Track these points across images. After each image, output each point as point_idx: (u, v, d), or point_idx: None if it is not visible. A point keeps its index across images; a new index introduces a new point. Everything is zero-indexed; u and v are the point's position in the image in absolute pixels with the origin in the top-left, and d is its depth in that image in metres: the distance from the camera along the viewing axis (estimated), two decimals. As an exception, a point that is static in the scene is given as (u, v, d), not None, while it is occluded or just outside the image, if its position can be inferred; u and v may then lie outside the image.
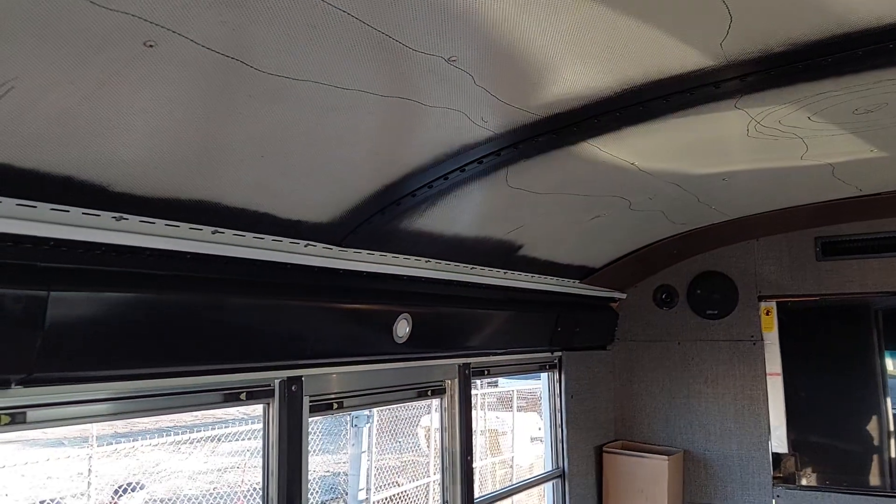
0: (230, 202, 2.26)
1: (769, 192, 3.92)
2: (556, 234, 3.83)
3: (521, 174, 2.86)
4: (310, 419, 2.92)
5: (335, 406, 3.06)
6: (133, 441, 7.88)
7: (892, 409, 5.52)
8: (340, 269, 2.81)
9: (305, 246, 2.67)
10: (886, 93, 2.38)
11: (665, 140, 2.76)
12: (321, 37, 1.67)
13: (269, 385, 2.73)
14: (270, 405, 2.73)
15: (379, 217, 2.75)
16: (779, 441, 4.72)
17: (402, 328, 3.13)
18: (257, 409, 2.80)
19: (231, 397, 2.57)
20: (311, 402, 2.90)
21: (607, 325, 5.21)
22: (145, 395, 2.32)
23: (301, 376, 2.83)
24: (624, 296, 5.21)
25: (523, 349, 4.44)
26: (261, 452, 2.74)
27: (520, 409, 12.71)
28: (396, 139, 2.36)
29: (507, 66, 2.01)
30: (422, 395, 3.59)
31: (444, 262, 3.34)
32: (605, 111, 2.39)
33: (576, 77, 2.14)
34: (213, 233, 2.27)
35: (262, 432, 2.77)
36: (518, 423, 12.03)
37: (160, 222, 2.13)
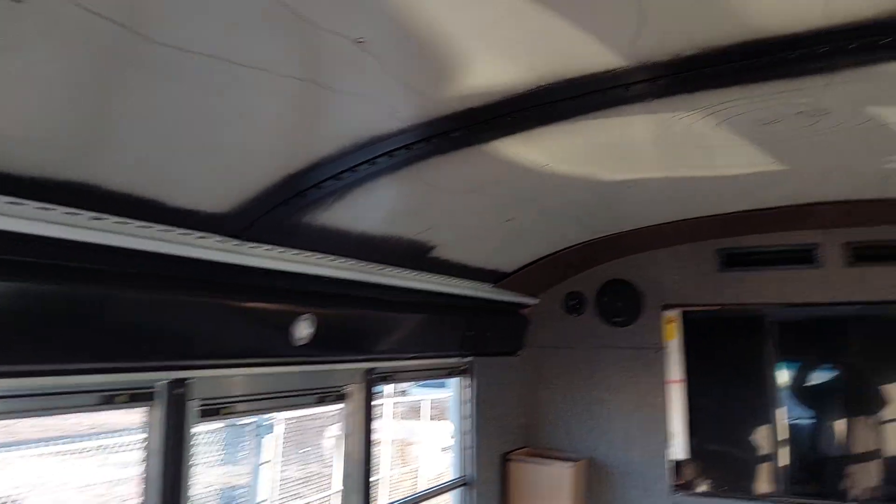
0: (113, 185, 2.07)
1: (676, 202, 4.00)
2: (470, 235, 3.78)
3: (434, 171, 2.78)
4: (208, 427, 2.73)
5: (227, 411, 2.88)
6: (10, 451, 7.31)
7: (785, 418, 5.75)
8: (236, 265, 2.64)
9: (198, 238, 2.49)
10: (787, 105, 2.44)
11: (577, 142, 2.74)
12: (218, 5, 1.54)
13: (152, 387, 2.53)
14: (152, 409, 2.52)
15: (282, 209, 2.61)
16: (678, 448, 4.82)
17: (303, 329, 2.98)
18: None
19: (109, 400, 2.35)
20: (200, 406, 2.71)
21: (518, 330, 5.20)
22: (9, 396, 2.09)
23: (188, 378, 2.64)
24: (536, 301, 5.22)
25: (433, 354, 4.36)
26: (141, 461, 2.53)
27: (432, 418, 12.64)
28: (301, 125, 2.24)
29: (418, 54, 1.93)
30: (323, 400, 3.44)
31: (351, 260, 3.21)
32: (519, 109, 2.35)
33: (489, 71, 2.08)
34: (92, 219, 2.07)
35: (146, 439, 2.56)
36: (429, 432, 11.95)
37: (31, 204, 1.93)
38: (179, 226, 2.42)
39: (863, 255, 4.53)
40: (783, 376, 6.02)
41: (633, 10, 1.77)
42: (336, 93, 2.06)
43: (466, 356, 4.62)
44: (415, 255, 3.60)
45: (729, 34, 1.92)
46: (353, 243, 3.14)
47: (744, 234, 4.79)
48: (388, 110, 2.23)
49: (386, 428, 10.93)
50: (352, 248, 3.19)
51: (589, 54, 2.01)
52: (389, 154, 2.52)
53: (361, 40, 1.82)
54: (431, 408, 12.55)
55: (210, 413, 2.84)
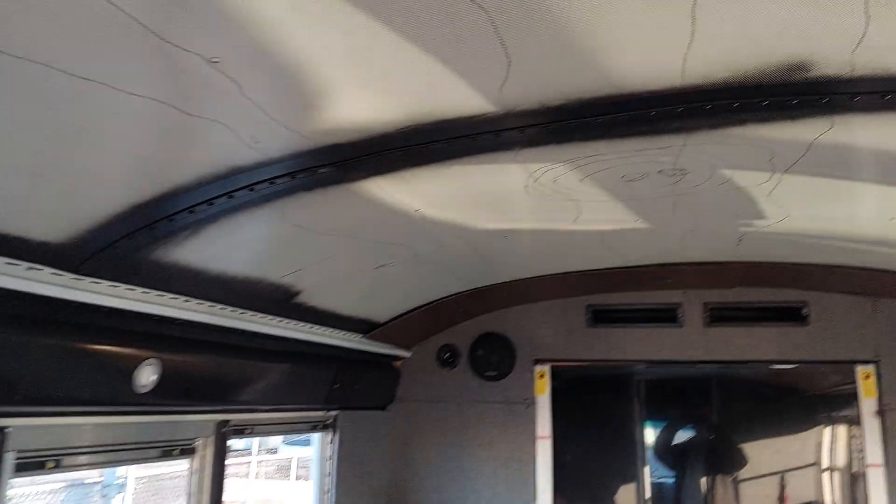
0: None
1: (547, 256, 4.05)
2: (340, 281, 3.64)
3: (299, 209, 2.65)
4: (35, 483, 2.39)
5: (52, 465, 2.56)
6: None
7: (650, 477, 5.88)
8: (72, 301, 2.38)
9: (27, 269, 2.22)
10: (649, 163, 2.51)
11: (450, 188, 2.71)
12: (50, 5, 1.38)
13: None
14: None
15: (127, 242, 2.39)
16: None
17: (147, 376, 2.72)
18: None
19: None
20: (18, 458, 2.39)
21: (389, 383, 5.05)
22: None
23: (5, 427, 2.32)
24: (408, 354, 5.10)
25: (295, 407, 4.13)
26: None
27: (299, 477, 12.10)
28: (151, 150, 2.06)
29: (281, 80, 1.83)
30: (167, 454, 3.13)
31: (206, 303, 2.99)
32: (390, 148, 2.28)
33: (359, 106, 2.01)
34: None
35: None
36: (296, 492, 11.41)
37: None
38: (4, 254, 2.15)
39: (719, 315, 4.76)
40: (649, 435, 6.18)
41: (500, 54, 1.75)
42: (191, 116, 1.92)
43: (332, 410, 4.42)
44: (279, 299, 3.42)
45: (594, 87, 1.95)
46: (209, 284, 2.93)
47: (613, 292, 4.93)
48: (248, 140, 2.09)
49: (250, 488, 10.34)
50: (208, 290, 2.97)
51: (460, 97, 1.98)
52: (250, 188, 2.38)
53: (216, 60, 1.70)
54: (299, 466, 12.04)
55: (31, 467, 2.51)
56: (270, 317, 3.48)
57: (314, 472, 4.45)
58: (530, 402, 4.96)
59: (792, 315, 4.63)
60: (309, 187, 2.49)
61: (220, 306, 3.08)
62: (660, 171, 2.60)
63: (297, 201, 2.57)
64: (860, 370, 4.50)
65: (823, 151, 2.29)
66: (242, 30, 1.59)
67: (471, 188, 2.74)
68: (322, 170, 2.37)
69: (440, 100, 2.00)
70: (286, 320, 3.62)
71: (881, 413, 4.41)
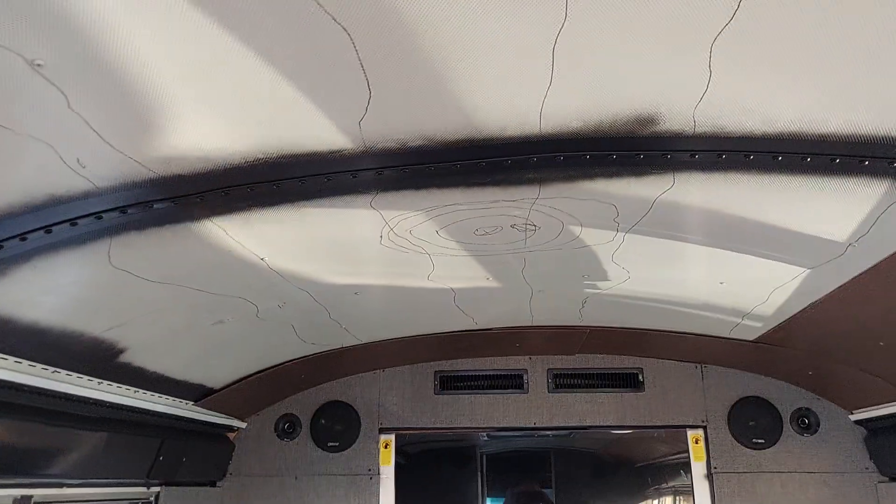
0: None
1: (398, 316, 3.96)
2: (171, 339, 3.32)
3: (129, 250, 2.38)
4: None
5: None
6: None
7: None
8: None
9: None
10: (502, 215, 2.53)
11: (300, 234, 2.57)
12: None
13: None
14: None
15: (-90, 277, 2.03)
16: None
17: (-76, 438, 2.28)
18: None
19: None
20: None
21: (221, 457, 4.63)
22: None
23: None
24: (243, 425, 4.73)
25: (111, 482, 3.65)
26: None
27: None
28: (-52, 165, 1.78)
29: (115, 94, 1.65)
30: (-57, 537, 2.62)
31: (11, 358, 2.60)
32: (236, 184, 2.12)
33: (203, 131, 1.85)
34: None
35: None
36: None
37: None
38: None
39: (562, 382, 4.86)
40: (490, 509, 6.11)
41: (361, 85, 1.69)
42: (4, 129, 1.67)
43: (154, 486, 3.96)
44: (99, 357, 3.04)
45: (455, 129, 1.93)
46: (16, 336, 2.55)
47: (461, 357, 4.90)
48: (73, 163, 1.86)
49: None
50: (15, 342, 2.58)
51: (316, 129, 1.88)
52: (72, 222, 2.11)
53: (39, 63, 1.50)
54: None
55: None
56: (88, 378, 3.09)
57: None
58: (374, 474, 4.73)
59: (629, 381, 4.82)
60: (142, 225, 2.26)
61: (28, 363, 2.69)
62: (513, 226, 2.62)
63: (127, 241, 2.32)
64: (691, 434, 4.73)
65: (664, 211, 2.41)
66: (72, 30, 1.42)
67: (323, 236, 2.62)
68: (158, 205, 2.16)
69: (294, 131, 1.89)
70: (106, 382, 3.23)
71: (709, 476, 4.62)
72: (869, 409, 4.20)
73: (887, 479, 4.34)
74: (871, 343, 3.48)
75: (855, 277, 2.82)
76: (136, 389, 3.50)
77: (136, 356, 3.25)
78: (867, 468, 4.42)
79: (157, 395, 3.68)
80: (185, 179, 2.06)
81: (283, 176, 2.10)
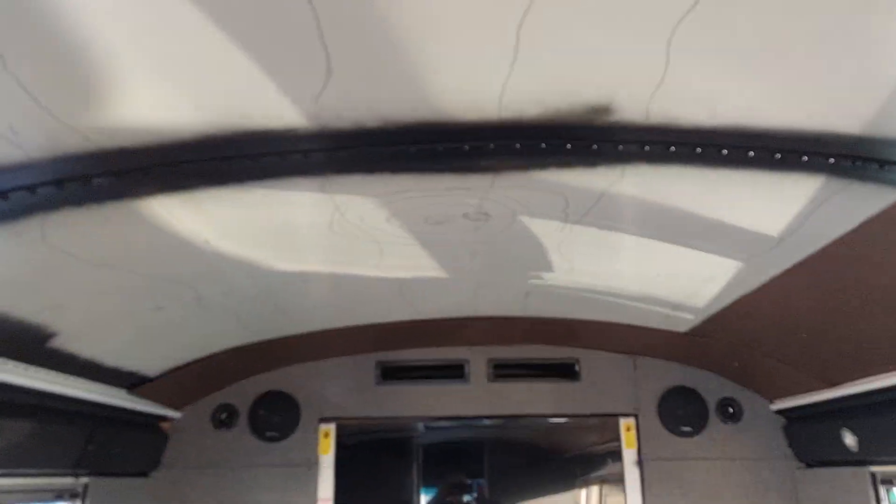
0: None
1: (343, 306, 3.92)
2: (107, 324, 3.19)
3: (64, 228, 2.27)
4: None
5: None
6: None
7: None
8: None
9: None
10: (455, 204, 2.53)
11: (249, 217, 2.50)
12: None
13: None
14: None
15: None
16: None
17: None
18: None
19: None
20: None
21: (154, 447, 4.49)
22: None
23: None
24: (178, 415, 4.60)
25: (35, 472, 3.49)
26: None
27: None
28: None
29: (55, 55, 1.56)
30: None
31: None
32: (184, 160, 2.05)
33: (150, 101, 1.78)
34: None
35: None
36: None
37: None
38: None
39: (502, 372, 4.92)
40: (423, 499, 6.13)
41: (320, 59, 1.66)
42: (-70, 90, 1.57)
43: (82, 476, 3.81)
44: (27, 341, 2.89)
45: (413, 110, 1.92)
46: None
47: (403, 348, 4.89)
48: (5, 129, 1.76)
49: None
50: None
51: (270, 104, 1.84)
52: (2, 195, 1.99)
53: (-28, 16, 1.42)
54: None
55: None
56: (14, 363, 2.94)
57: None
58: (313, 464, 4.67)
59: (566, 371, 4.92)
60: (80, 201, 2.15)
61: (-54, 345, 2.54)
62: (464, 215, 2.63)
63: (63, 218, 2.20)
64: (623, 423, 4.86)
65: (611, 203, 2.46)
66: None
67: (272, 219, 2.56)
68: (98, 179, 2.06)
69: (247, 105, 1.84)
70: (34, 368, 3.09)
71: (640, 463, 4.76)
72: (788, 398, 4.41)
73: (804, 465, 4.56)
74: (794, 336, 3.64)
75: (784, 272, 2.94)
76: (66, 376, 3.36)
77: (68, 342, 3.11)
78: (786, 455, 4.63)
79: (87, 382, 3.54)
80: (129, 153, 1.98)
81: (234, 154, 2.05)
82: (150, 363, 3.89)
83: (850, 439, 3.88)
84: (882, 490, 3.95)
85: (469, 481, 5.82)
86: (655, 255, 3.05)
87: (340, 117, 1.92)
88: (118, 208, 2.24)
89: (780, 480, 4.62)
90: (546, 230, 2.80)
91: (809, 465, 4.54)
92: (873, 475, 3.93)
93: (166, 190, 2.19)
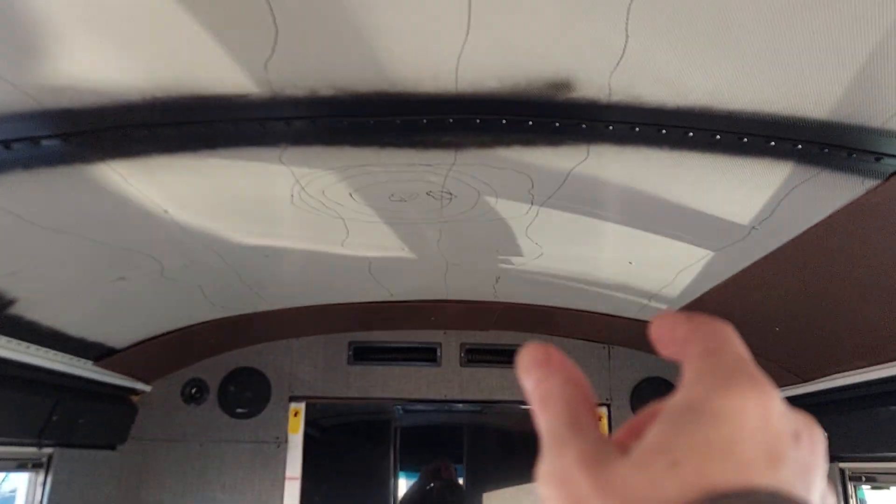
0: None
1: (312, 283, 3.87)
2: (69, 293, 3.15)
3: (15, 191, 2.23)
4: None
5: None
6: None
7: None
8: None
9: None
10: (417, 181, 2.47)
11: (206, 187, 2.45)
12: None
13: None
14: None
15: None
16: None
17: None
18: None
19: None
20: None
21: (122, 420, 4.45)
22: None
23: None
24: (148, 388, 4.56)
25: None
26: None
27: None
28: None
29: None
30: None
31: None
32: (132, 124, 2.00)
33: (93, 60, 1.72)
34: None
35: None
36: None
37: None
38: None
39: (475, 357, 4.88)
40: (402, 485, 6.12)
41: (267, 21, 1.60)
42: None
43: (46, 447, 3.77)
44: (-15, 307, 2.86)
45: (368, 80, 1.86)
46: None
47: (376, 329, 4.85)
48: (-54, 86, 1.71)
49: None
50: None
51: (220, 69, 1.78)
52: (-52, 155, 1.95)
53: None
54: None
55: None
56: (-29, 329, 2.90)
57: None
58: (282, 442, 4.65)
59: (540, 359, 4.87)
60: (29, 164, 2.10)
61: None
62: (428, 193, 2.58)
63: (13, 181, 2.16)
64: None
65: (578, 185, 2.41)
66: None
67: (231, 191, 2.51)
68: (46, 141, 2.01)
69: (196, 68, 1.78)
70: (-7, 335, 3.05)
71: (610, 452, 4.75)
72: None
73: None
74: (766, 329, 3.61)
75: (755, 262, 2.90)
76: (29, 345, 3.31)
77: (29, 309, 3.07)
78: None
79: (52, 351, 3.50)
80: (76, 115, 1.92)
81: (186, 119, 1.99)
82: (117, 335, 3.84)
83: (820, 435, 3.85)
84: (851, 486, 3.94)
85: (452, 466, 5.81)
86: (627, 243, 3.00)
87: (294, 85, 1.86)
88: (70, 173, 2.19)
89: None
90: (513, 212, 2.75)
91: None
92: (842, 471, 3.91)
93: (117, 155, 2.14)
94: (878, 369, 3.20)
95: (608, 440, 0.39)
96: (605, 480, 0.35)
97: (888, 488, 4.01)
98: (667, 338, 0.44)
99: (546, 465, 0.39)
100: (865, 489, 3.95)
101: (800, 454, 0.36)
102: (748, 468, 0.33)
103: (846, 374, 3.47)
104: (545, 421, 0.42)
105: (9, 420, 3.37)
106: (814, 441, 0.38)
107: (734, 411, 0.34)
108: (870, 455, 3.76)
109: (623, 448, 0.37)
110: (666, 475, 0.33)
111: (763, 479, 0.32)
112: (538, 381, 0.45)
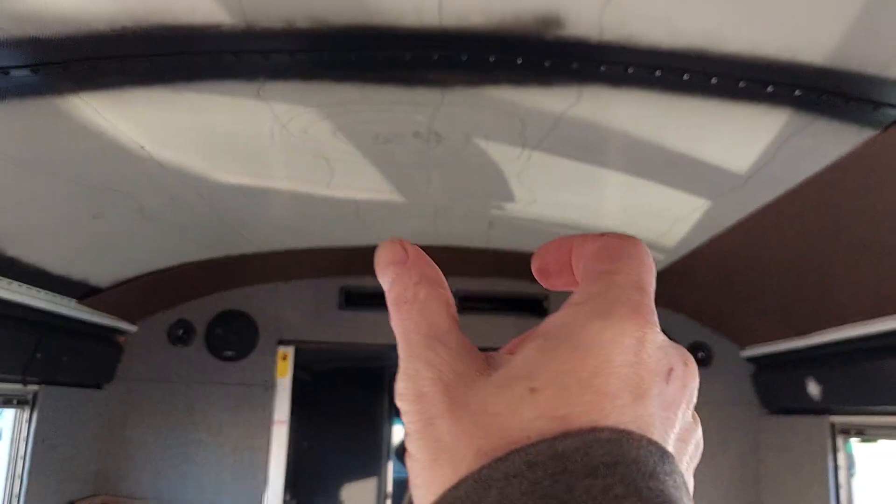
0: None
1: (298, 226, 3.81)
2: (48, 230, 3.08)
3: (-17, 123, 2.15)
4: None
5: None
6: None
7: (393, 473, 5.85)
8: None
9: None
10: (403, 121, 2.39)
11: (183, 122, 2.36)
12: None
13: None
14: None
15: None
16: (275, 494, 4.50)
17: None
18: None
19: None
20: None
21: (108, 360, 4.45)
22: None
23: None
24: (133, 328, 4.54)
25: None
26: None
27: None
28: None
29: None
30: None
31: None
32: (102, 55, 1.90)
33: (59, -15, 1.62)
34: None
35: None
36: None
37: None
38: None
39: (468, 305, 4.84)
40: (395, 432, 6.17)
41: (237, -58, 1.50)
42: None
43: (31, 384, 3.76)
44: (-38, 243, 2.80)
45: (347, 12, 1.76)
46: None
47: (367, 274, 4.80)
48: None
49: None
50: None
51: (189, -4, 1.68)
52: (-88, 81, 1.86)
53: None
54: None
55: None
56: (-52, 264, 2.85)
57: (4, 453, 3.76)
58: (269, 385, 4.65)
59: (534, 307, 4.84)
60: (-2, 94, 2.02)
61: None
62: (415, 134, 2.49)
63: (-18, 113, 2.08)
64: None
65: (570, 128, 2.33)
66: None
67: (209, 127, 2.42)
68: (15, 72, 1.92)
69: (167, -3, 1.69)
70: (-29, 271, 2.99)
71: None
72: (758, 346, 4.37)
73: (767, 412, 4.57)
74: (764, 282, 3.57)
75: (752, 214, 2.84)
76: (10, 281, 3.27)
77: (9, 245, 3.01)
78: (751, 402, 4.63)
79: (34, 289, 3.45)
80: (43, 44, 1.82)
81: (157, 51, 1.89)
82: (100, 274, 3.79)
83: (813, 388, 3.86)
84: (840, 440, 3.96)
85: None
86: (622, 190, 2.93)
87: (269, 15, 1.77)
88: (41, 105, 2.10)
89: (742, 426, 4.63)
90: (504, 156, 2.67)
91: (772, 413, 4.55)
92: (833, 425, 3.93)
93: (89, 87, 2.04)
94: (871, 324, 3.17)
95: (470, 353, 0.36)
96: (460, 400, 0.33)
97: (876, 441, 4.04)
98: (561, 260, 0.41)
99: (401, 379, 0.36)
100: (854, 442, 3.97)
101: (668, 390, 0.34)
102: (608, 404, 0.31)
103: (839, 328, 3.44)
104: (400, 329, 0.38)
105: (-7, 357, 3.35)
106: (687, 377, 0.35)
107: (605, 343, 0.32)
108: (859, 408, 3.77)
109: (492, 367, 0.35)
110: (523, 401, 0.31)
111: (622, 416, 0.31)
112: (392, 281, 0.41)
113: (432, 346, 0.36)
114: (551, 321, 0.35)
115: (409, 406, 0.35)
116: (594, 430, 0.30)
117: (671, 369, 0.34)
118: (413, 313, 0.38)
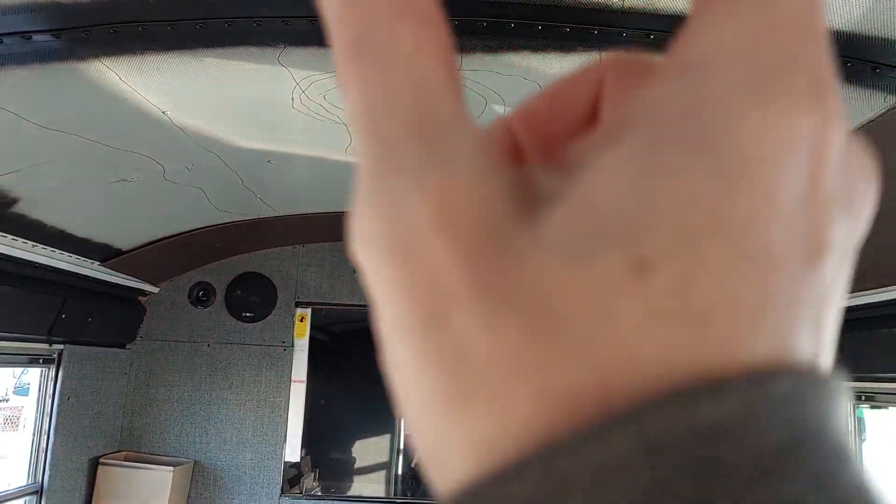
0: None
1: (317, 190, 3.83)
2: (71, 193, 3.13)
3: (10, 88, 2.17)
4: None
5: None
6: None
7: (404, 430, 5.96)
8: None
9: None
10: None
11: (204, 87, 2.38)
12: None
13: None
14: None
15: None
16: (293, 450, 4.62)
17: None
18: None
19: None
20: None
21: (131, 320, 4.54)
22: None
23: None
24: (156, 290, 4.62)
25: (10, 336, 3.53)
26: None
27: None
28: None
29: None
30: None
31: None
32: (124, 20, 1.92)
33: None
34: None
35: None
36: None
37: None
38: None
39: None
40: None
41: None
42: None
43: (57, 343, 3.86)
44: (-12, 205, 2.86)
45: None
46: None
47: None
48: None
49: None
50: None
51: (210, -39, 1.69)
52: (-62, 47, 1.89)
53: None
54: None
55: None
56: (-24, 226, 2.91)
57: (31, 411, 3.88)
58: (288, 345, 4.73)
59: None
60: (22, 59, 2.04)
61: None
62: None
63: (7, 76, 2.10)
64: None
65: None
66: None
67: (230, 92, 2.43)
68: (38, 37, 1.94)
69: (187, -39, 1.70)
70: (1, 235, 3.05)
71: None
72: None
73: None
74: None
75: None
76: (35, 244, 3.33)
77: (33, 208, 3.07)
78: None
79: (58, 251, 3.52)
80: (65, 9, 1.84)
81: (179, 16, 1.91)
82: (123, 236, 3.85)
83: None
84: (849, 406, 3.99)
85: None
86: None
87: (289, -20, 1.77)
88: (64, 70, 2.13)
89: None
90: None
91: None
92: (843, 391, 3.95)
93: (110, 53, 2.06)
94: (884, 292, 3.17)
95: (496, 161, 0.18)
96: (496, 273, 0.16)
97: (887, 408, 4.05)
98: (572, 107, 0.24)
99: (362, 214, 0.19)
100: (864, 408, 3.99)
101: (849, 229, 0.19)
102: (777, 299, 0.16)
103: (853, 295, 3.44)
104: (359, 107, 0.19)
105: (18, 317, 3.43)
106: (869, 193, 0.20)
107: (769, 155, 0.16)
108: (870, 375, 3.79)
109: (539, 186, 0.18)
110: (622, 296, 0.15)
111: (794, 323, 0.17)
112: (342, 8, 0.19)
113: (430, 146, 0.18)
114: (658, 95, 0.18)
115: (389, 268, 0.18)
116: (763, 374, 0.16)
117: (851, 189, 0.19)
118: (386, 78, 0.19)
